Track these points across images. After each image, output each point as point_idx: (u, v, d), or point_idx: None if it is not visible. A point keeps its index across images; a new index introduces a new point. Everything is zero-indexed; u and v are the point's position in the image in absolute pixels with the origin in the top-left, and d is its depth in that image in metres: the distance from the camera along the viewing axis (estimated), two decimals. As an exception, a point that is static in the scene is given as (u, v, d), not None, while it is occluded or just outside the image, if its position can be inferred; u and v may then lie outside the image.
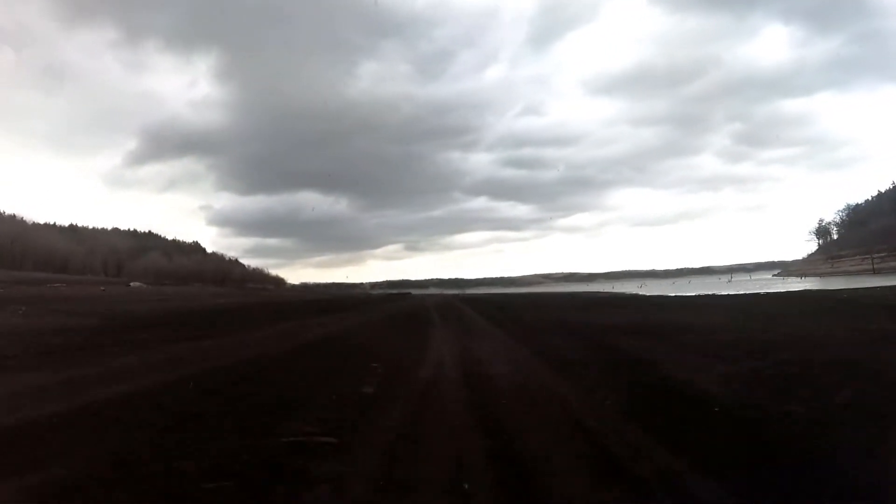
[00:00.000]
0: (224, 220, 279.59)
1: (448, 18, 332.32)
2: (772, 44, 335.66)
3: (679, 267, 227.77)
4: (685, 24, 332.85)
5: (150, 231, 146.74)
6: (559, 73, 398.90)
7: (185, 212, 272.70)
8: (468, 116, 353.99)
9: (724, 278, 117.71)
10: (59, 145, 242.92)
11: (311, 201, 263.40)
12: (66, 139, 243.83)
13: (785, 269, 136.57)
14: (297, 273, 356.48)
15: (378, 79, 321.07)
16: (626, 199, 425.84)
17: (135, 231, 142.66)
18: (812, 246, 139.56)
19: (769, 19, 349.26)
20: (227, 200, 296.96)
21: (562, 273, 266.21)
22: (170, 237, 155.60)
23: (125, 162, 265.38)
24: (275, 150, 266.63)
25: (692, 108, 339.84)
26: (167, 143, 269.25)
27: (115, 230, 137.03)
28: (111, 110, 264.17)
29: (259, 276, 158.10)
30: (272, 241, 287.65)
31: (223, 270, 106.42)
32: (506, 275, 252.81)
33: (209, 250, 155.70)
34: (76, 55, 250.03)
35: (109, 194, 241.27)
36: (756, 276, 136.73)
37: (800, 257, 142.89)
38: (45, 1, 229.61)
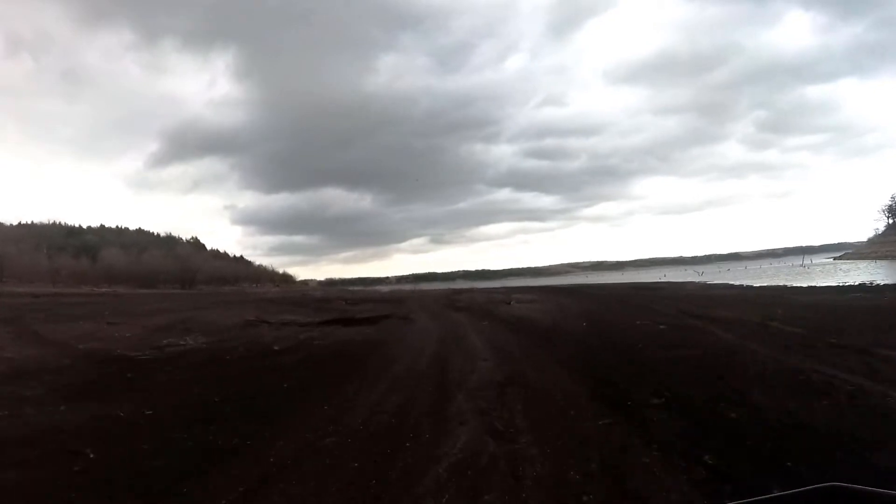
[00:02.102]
0: (249, 219, 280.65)
1: (466, 9, 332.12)
2: (794, 30, 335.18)
3: (706, 254, 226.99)
4: (706, 11, 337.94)
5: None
6: (580, 62, 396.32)
7: (210, 212, 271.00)
8: (489, 108, 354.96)
9: (783, 263, 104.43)
10: (82, 150, 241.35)
11: (336, 198, 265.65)
12: (88, 143, 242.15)
13: (855, 251, 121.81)
14: (323, 269, 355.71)
15: (397, 72, 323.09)
16: (651, 188, 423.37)
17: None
18: (868, 229, 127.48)
19: (790, 5, 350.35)
20: (250, 199, 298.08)
21: (589, 262, 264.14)
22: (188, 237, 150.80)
23: (147, 164, 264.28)
24: (297, 147, 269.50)
25: (715, 95, 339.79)
26: (189, 143, 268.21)
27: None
28: (132, 113, 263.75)
29: (264, 275, 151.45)
30: (298, 239, 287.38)
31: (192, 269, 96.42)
32: (532, 265, 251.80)
33: (231, 250, 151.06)
34: (94, 59, 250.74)
35: (134, 196, 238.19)
36: (817, 259, 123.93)
37: (858, 239, 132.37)
38: (61, 6, 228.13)
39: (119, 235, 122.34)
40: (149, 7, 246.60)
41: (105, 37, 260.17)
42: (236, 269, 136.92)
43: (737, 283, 40.35)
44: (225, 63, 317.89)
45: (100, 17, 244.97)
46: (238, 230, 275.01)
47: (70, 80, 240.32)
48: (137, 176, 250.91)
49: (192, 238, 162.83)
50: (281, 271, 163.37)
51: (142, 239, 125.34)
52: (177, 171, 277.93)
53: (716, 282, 44.61)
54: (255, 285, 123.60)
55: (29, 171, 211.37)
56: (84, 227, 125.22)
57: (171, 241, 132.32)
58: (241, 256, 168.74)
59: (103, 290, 51.34)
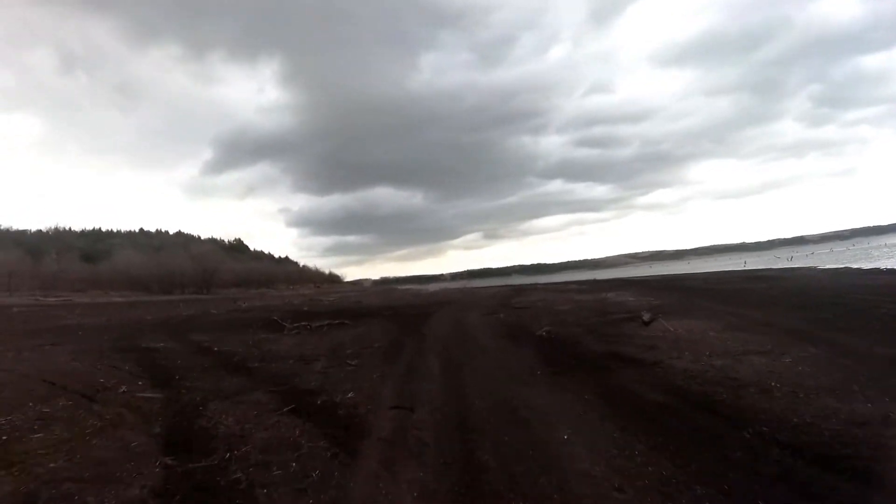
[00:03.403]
0: (303, 221, 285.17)
1: (505, 3, 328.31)
2: None
3: (769, 238, 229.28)
4: None
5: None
6: (624, 47, 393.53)
7: (265, 216, 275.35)
8: (535, 100, 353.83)
9: (863, 244, 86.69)
10: (138, 160, 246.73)
11: (386, 196, 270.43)
12: (144, 153, 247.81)
13: None
14: (378, 268, 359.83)
15: (440, 69, 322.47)
16: (707, 173, 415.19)
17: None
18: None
19: None
20: (304, 201, 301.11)
21: (647, 252, 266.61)
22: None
23: (203, 171, 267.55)
24: (345, 148, 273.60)
25: (767, 72, 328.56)
26: (241, 150, 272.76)
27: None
28: (184, 122, 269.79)
29: (308, 276, 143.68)
30: (351, 239, 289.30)
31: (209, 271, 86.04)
32: (589, 257, 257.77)
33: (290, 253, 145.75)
34: (146, 73, 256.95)
35: (191, 203, 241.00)
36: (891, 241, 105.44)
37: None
38: (112, 24, 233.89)
39: (132, 238, 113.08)
40: (195, 22, 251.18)
41: (155, 51, 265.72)
42: (273, 271, 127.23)
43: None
44: (271, 70, 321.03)
45: (149, 33, 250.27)
46: (293, 232, 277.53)
47: (123, 93, 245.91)
48: (193, 183, 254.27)
49: (235, 240, 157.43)
50: (327, 271, 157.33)
51: (160, 240, 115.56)
52: (231, 177, 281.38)
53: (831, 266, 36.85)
54: (291, 287, 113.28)
55: (88, 182, 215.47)
56: (103, 230, 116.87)
57: (188, 241, 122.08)
58: (286, 257, 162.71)
59: (52, 300, 39.61)
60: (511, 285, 68.23)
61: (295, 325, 16.23)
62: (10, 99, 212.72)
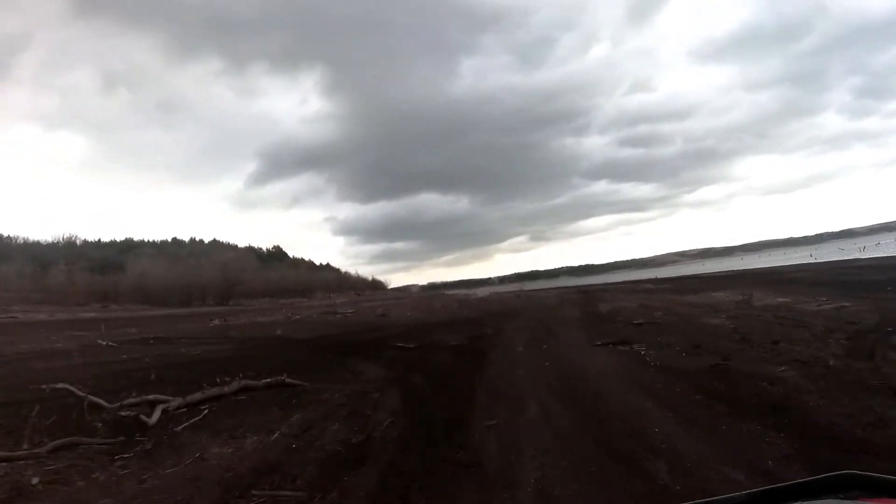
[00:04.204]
0: (349, 230, 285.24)
1: (543, 4, 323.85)
2: None
3: (818, 232, 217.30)
4: None
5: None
6: (664, 44, 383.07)
7: (311, 225, 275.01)
8: (576, 100, 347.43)
9: None
10: (182, 175, 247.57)
11: (431, 202, 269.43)
12: (188, 169, 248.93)
13: None
14: (426, 274, 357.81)
15: (481, 73, 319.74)
16: (751, 168, 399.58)
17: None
18: None
19: None
20: (349, 210, 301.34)
21: (696, 250, 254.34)
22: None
23: (247, 184, 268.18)
24: (389, 155, 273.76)
25: (807, 64, 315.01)
26: (286, 161, 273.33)
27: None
28: (228, 136, 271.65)
29: (351, 282, 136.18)
30: (398, 245, 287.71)
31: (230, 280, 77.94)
32: (637, 257, 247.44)
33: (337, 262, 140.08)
34: (187, 88, 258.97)
35: (238, 215, 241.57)
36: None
37: None
38: (151, 41, 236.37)
39: (159, 248, 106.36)
40: (234, 36, 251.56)
41: (195, 66, 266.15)
42: (310, 279, 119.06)
43: None
44: (313, 80, 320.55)
45: (189, 48, 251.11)
46: (340, 241, 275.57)
47: (165, 109, 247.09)
48: (239, 196, 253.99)
49: (274, 247, 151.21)
50: (370, 278, 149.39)
51: (190, 249, 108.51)
52: (276, 188, 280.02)
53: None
54: (328, 295, 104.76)
55: (131, 199, 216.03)
56: (128, 240, 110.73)
57: (218, 250, 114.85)
58: (327, 264, 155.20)
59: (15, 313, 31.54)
60: (573, 287, 57.87)
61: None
62: (55, 118, 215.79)
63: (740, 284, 24.59)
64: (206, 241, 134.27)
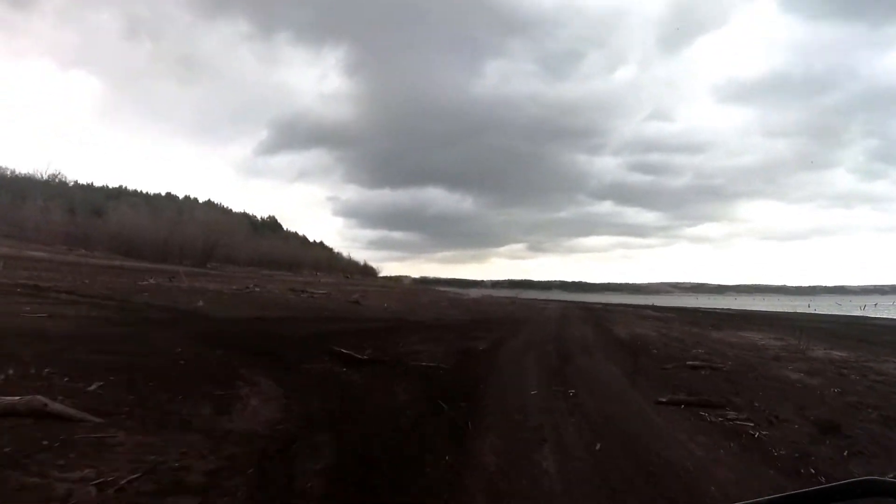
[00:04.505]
0: (350, 212, 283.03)
1: (575, 18, 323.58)
2: None
3: (811, 284, 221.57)
4: (820, 33, 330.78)
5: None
6: (689, 77, 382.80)
7: (313, 202, 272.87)
8: (595, 118, 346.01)
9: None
10: (192, 134, 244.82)
11: (437, 197, 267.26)
12: (199, 128, 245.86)
13: None
14: (420, 267, 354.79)
15: (505, 77, 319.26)
16: (755, 212, 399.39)
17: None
18: None
19: None
20: (353, 192, 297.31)
21: (690, 283, 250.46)
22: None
23: (256, 151, 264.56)
24: (401, 145, 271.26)
25: (827, 120, 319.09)
26: (298, 134, 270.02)
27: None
28: (244, 101, 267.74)
29: (342, 264, 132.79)
30: (397, 235, 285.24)
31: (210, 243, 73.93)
32: (631, 281, 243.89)
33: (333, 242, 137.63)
34: (211, 47, 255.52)
35: (242, 182, 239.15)
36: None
37: None
38: None
39: (149, 200, 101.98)
40: (266, 1, 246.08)
41: (222, 26, 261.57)
42: (299, 254, 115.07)
43: None
44: (336, 58, 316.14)
45: (219, 6, 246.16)
46: (339, 222, 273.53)
47: (186, 65, 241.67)
48: (246, 162, 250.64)
49: (269, 217, 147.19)
50: (363, 262, 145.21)
51: (181, 206, 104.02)
52: (284, 160, 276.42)
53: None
54: (315, 274, 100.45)
55: (141, 149, 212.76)
56: (117, 187, 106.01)
57: (211, 211, 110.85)
58: (320, 242, 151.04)
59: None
60: (573, 302, 53.72)
61: None
62: (72, 57, 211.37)
63: (759, 325, 21.95)
64: (200, 201, 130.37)
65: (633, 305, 52.40)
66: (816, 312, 46.00)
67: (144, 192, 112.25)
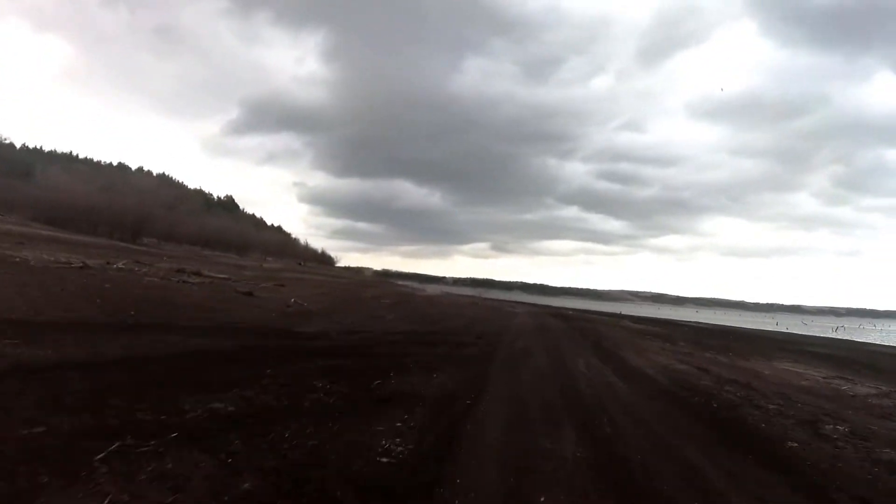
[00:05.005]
0: (316, 199, 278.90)
1: (559, 24, 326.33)
2: (882, 91, 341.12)
3: (769, 302, 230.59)
4: (797, 59, 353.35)
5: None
6: (665, 91, 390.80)
7: (278, 186, 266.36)
8: (569, 124, 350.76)
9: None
10: (162, 106, 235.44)
11: (405, 190, 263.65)
12: (169, 101, 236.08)
13: None
14: (383, 260, 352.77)
15: (484, 75, 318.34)
16: (719, 227, 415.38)
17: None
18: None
19: (881, 66, 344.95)
20: (321, 180, 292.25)
21: (649, 293, 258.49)
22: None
23: (225, 131, 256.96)
24: (373, 135, 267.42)
25: (796, 144, 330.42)
26: (269, 116, 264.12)
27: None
28: (217, 77, 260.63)
29: (298, 251, 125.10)
30: (361, 226, 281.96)
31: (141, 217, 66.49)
32: (591, 287, 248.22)
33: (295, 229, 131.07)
34: (189, 20, 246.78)
35: (208, 160, 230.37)
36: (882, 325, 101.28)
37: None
38: None
39: (92, 167, 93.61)
40: None
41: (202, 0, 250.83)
42: (251, 236, 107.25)
43: None
44: (314, 42, 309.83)
45: None
46: (304, 208, 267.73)
47: (163, 37, 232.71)
48: (213, 140, 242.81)
49: (226, 196, 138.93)
50: (320, 250, 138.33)
51: (125, 176, 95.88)
52: (253, 141, 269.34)
53: None
54: (267, 259, 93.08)
55: (114, 120, 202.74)
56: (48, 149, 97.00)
57: (157, 182, 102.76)
58: (278, 226, 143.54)
59: None
60: (545, 307, 48.61)
61: None
62: (45, 19, 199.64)
63: (772, 350, 19.18)
64: (154, 174, 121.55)
65: (607, 314, 49.19)
66: (802, 333, 43.94)
67: (87, 158, 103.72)
